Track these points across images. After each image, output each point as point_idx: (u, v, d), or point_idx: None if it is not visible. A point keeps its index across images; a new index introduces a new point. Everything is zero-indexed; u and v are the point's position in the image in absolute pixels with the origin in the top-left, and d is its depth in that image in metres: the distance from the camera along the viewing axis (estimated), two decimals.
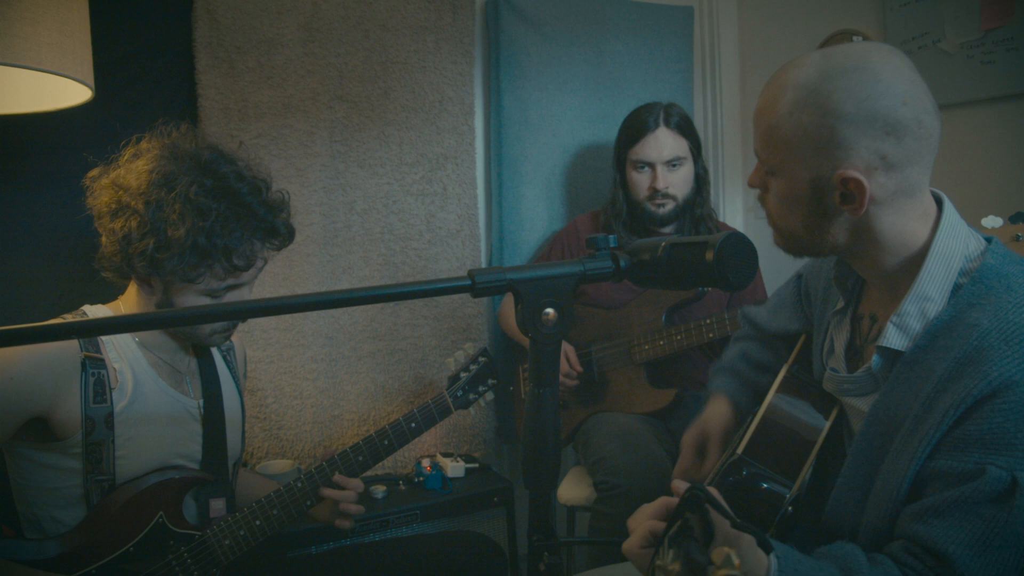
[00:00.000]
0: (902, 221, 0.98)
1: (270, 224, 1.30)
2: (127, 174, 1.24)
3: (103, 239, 1.27)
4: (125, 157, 1.28)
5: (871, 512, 0.97)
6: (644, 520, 0.94)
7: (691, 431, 1.36)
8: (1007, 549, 0.86)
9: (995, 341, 0.88)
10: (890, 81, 0.92)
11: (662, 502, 0.96)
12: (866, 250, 1.01)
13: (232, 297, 1.30)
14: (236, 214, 1.24)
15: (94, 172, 1.28)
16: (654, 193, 2.10)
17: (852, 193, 0.95)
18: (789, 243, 1.07)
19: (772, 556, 0.87)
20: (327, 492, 1.42)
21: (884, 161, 0.93)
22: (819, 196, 0.97)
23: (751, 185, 1.09)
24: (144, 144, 1.30)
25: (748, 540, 0.86)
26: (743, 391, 1.40)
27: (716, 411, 1.36)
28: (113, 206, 1.23)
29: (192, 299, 1.26)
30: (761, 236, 1.09)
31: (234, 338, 1.54)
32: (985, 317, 0.91)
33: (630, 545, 0.94)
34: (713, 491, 0.89)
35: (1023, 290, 0.92)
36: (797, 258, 1.12)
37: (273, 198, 1.33)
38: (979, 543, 0.86)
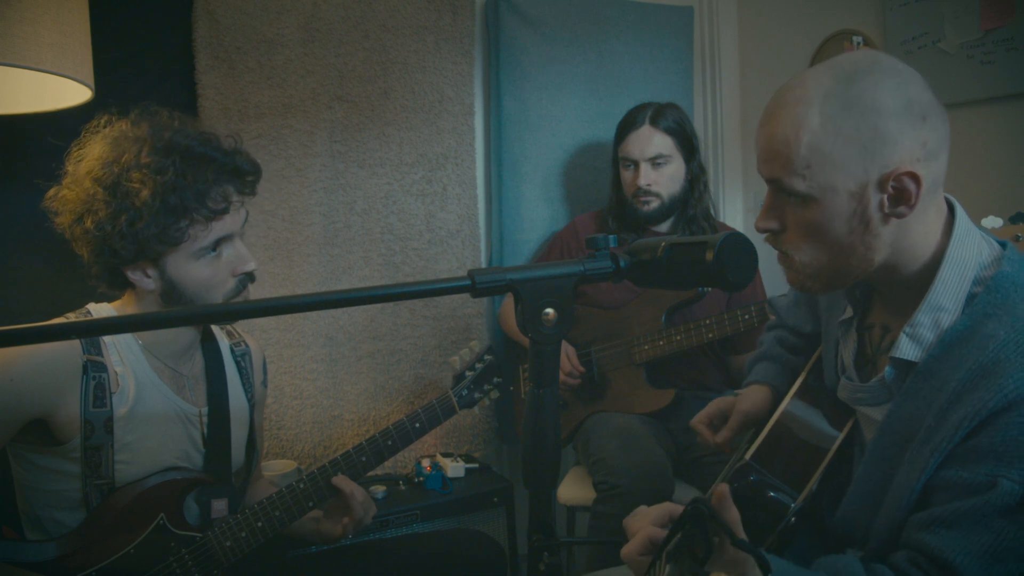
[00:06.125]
0: (928, 221, 0.96)
1: (232, 163, 1.27)
2: (77, 175, 1.23)
3: (82, 250, 1.24)
4: (69, 164, 1.26)
5: (882, 522, 0.96)
6: (644, 525, 0.93)
7: (722, 400, 1.38)
8: (1013, 564, 0.84)
9: (1012, 353, 0.86)
10: (907, 71, 0.92)
11: (664, 509, 0.94)
12: (891, 262, 0.97)
13: (228, 253, 1.28)
14: (193, 163, 1.22)
15: (50, 193, 1.26)
16: (637, 190, 2.12)
17: (906, 190, 0.90)
18: (815, 280, 1.01)
19: None
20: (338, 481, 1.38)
21: (925, 149, 0.90)
22: (863, 207, 0.92)
23: (764, 228, 1.02)
24: (85, 143, 1.27)
25: (748, 560, 0.85)
26: (783, 375, 1.37)
27: (752, 393, 1.35)
28: (78, 209, 1.21)
29: (192, 268, 1.24)
30: (761, 236, 1.09)
31: (251, 343, 1.53)
32: (1002, 328, 0.89)
33: (629, 550, 0.93)
34: (723, 488, 0.88)
35: None
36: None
37: (225, 142, 1.30)
38: (987, 555, 0.85)
